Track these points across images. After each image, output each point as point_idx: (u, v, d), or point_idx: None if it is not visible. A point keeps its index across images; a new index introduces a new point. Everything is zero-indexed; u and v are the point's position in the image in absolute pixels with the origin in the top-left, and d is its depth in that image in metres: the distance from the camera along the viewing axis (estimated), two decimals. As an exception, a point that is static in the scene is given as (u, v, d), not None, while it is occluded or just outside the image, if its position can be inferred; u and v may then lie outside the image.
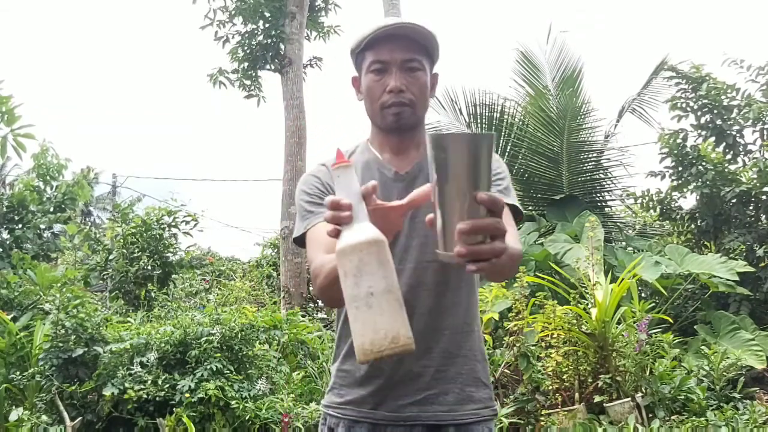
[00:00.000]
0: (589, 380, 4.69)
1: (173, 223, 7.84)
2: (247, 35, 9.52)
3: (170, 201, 8.01)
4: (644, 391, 4.59)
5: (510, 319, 4.87)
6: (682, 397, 4.66)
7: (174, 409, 4.51)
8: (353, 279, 1.02)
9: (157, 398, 4.56)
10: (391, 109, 1.42)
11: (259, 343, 4.99)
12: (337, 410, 1.45)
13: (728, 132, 7.17)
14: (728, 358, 5.25)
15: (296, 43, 9.23)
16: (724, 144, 7.20)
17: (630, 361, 4.61)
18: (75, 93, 63.10)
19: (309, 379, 5.12)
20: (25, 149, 6.31)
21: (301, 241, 1.47)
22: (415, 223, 1.41)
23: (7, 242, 7.43)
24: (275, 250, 10.05)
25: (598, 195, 8.21)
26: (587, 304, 4.91)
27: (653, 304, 6.06)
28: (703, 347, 5.55)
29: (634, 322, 4.79)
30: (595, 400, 4.55)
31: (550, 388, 4.68)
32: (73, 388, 4.69)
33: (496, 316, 5.23)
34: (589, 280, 5.13)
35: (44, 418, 4.64)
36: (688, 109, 7.30)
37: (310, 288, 7.94)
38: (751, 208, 7.14)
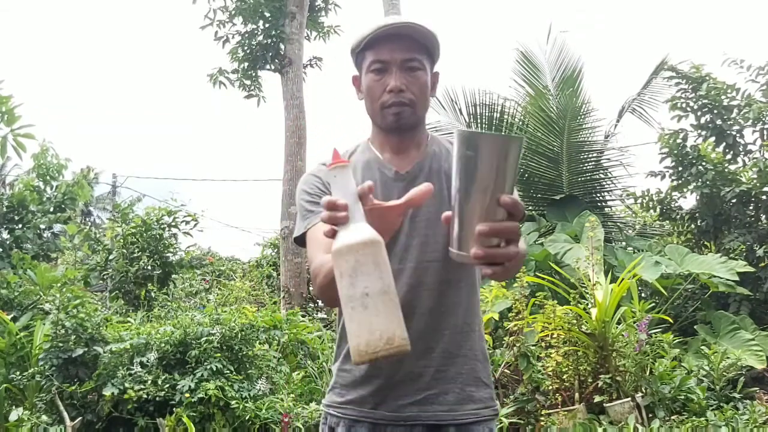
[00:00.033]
0: (589, 380, 4.69)
1: (173, 223, 7.84)
2: (247, 35, 9.52)
3: (170, 201, 8.02)
4: (644, 391, 4.59)
5: (510, 319, 4.87)
6: (682, 397, 4.65)
7: (174, 409, 4.51)
8: (349, 279, 1.01)
9: (157, 398, 4.56)
10: (392, 109, 1.41)
11: (259, 343, 4.99)
12: (338, 410, 1.45)
13: (728, 132, 7.17)
14: (728, 358, 5.25)
15: (296, 43, 9.23)
16: (724, 144, 7.20)
17: (630, 361, 4.61)
18: (75, 93, 63.13)
19: (309, 379, 5.11)
20: (25, 149, 6.31)
21: (301, 241, 1.47)
22: (416, 223, 1.41)
23: (7, 242, 7.43)
24: (275, 250, 10.05)
25: (598, 195, 8.21)
26: (587, 304, 4.91)
27: (653, 304, 6.06)
28: (703, 347, 5.56)
29: (634, 322, 4.79)
30: (595, 400, 4.54)
31: (550, 388, 4.67)
32: (73, 388, 4.68)
33: (496, 316, 5.23)
34: (589, 280, 5.13)
35: (44, 418, 4.64)
36: (688, 109, 7.30)
37: (310, 288, 7.94)
38: (751, 208, 7.14)
